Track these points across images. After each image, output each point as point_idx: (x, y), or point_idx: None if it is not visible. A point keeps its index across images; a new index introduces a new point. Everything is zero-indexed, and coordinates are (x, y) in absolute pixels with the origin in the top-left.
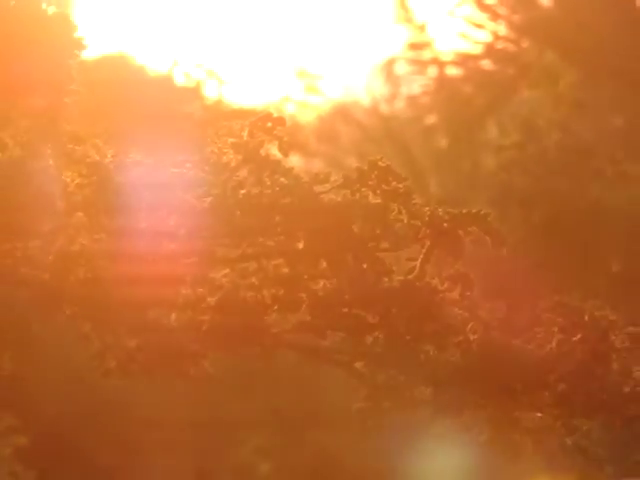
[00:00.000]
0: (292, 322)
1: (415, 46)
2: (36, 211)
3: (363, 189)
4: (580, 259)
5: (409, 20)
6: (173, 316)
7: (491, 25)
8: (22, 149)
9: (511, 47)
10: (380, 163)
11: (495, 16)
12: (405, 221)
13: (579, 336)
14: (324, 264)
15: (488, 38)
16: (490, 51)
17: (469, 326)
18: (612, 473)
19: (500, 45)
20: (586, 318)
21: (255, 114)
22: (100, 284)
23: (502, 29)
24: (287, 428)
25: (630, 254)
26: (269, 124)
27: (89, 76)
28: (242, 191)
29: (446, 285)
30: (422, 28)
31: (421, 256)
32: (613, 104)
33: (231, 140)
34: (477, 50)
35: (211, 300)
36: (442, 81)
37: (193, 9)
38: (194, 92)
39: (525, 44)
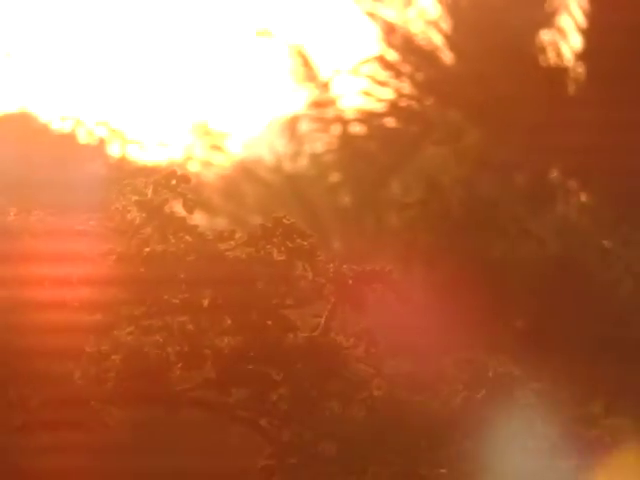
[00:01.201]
0: (196, 379)
1: (318, 104)
2: None
3: (267, 246)
4: (484, 315)
5: (312, 78)
6: (77, 373)
7: (394, 83)
8: None
9: (414, 105)
10: (284, 220)
11: (398, 74)
12: (310, 278)
13: (484, 392)
14: (229, 321)
15: (392, 96)
16: (394, 109)
17: (374, 382)
18: None
19: (404, 103)
20: (490, 374)
21: (159, 172)
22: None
23: (406, 87)
24: None
25: (533, 310)
26: (173, 182)
27: None
28: (146, 248)
29: (351, 341)
30: (325, 86)
31: (326, 313)
32: (516, 161)
33: (135, 198)
34: (381, 108)
35: (115, 357)
36: (346, 139)
37: (95, 67)
38: (97, 150)
39: (429, 102)
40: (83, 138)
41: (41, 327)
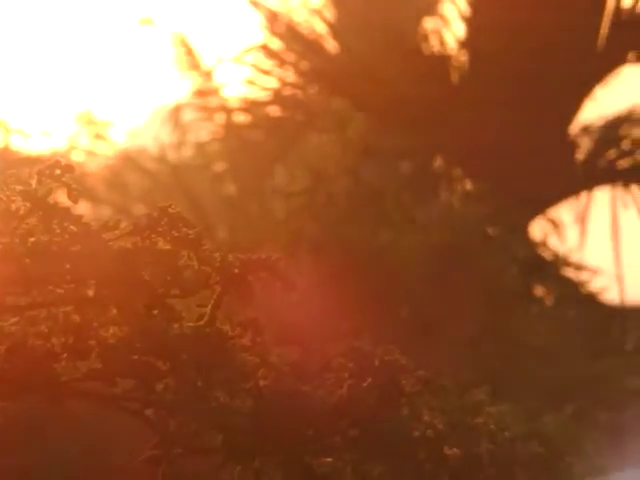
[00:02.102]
0: (82, 370)
1: (202, 93)
2: None
3: (153, 236)
4: (370, 304)
5: (195, 66)
6: None
7: (278, 71)
8: None
9: (299, 93)
10: (170, 210)
11: (282, 63)
12: (195, 267)
13: (370, 381)
14: (114, 311)
15: (276, 84)
16: (278, 98)
17: (260, 372)
18: None
19: (288, 91)
20: (376, 363)
21: (43, 161)
22: None
23: (290, 75)
24: (78, 477)
25: (419, 299)
26: (57, 171)
27: None
28: (31, 239)
29: (237, 331)
30: (209, 75)
31: (211, 302)
32: (401, 150)
33: (19, 188)
34: (265, 97)
35: (0, 348)
36: (230, 128)
37: None
38: None
39: (313, 90)
40: None
41: None
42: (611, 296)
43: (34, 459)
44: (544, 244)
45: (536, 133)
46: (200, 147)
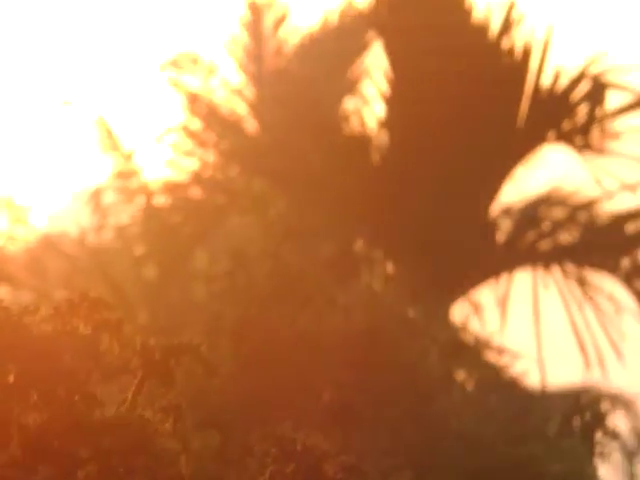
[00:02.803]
0: (2, 458)
1: (122, 175)
2: None
3: (74, 320)
4: (292, 388)
5: (115, 148)
6: None
7: (199, 152)
8: None
9: (219, 174)
10: (91, 294)
11: (203, 143)
12: (116, 352)
13: (292, 467)
14: (35, 397)
15: (196, 166)
16: (198, 179)
17: (182, 458)
18: None
19: (208, 173)
20: (299, 448)
21: None
22: None
23: (210, 156)
24: None
25: (340, 383)
26: None
27: None
28: None
29: (158, 417)
30: (129, 157)
31: (133, 387)
32: (321, 232)
33: None
34: (185, 178)
35: None
36: (150, 210)
37: None
38: None
39: (234, 171)
40: None
41: None
42: (532, 380)
43: None
44: (465, 327)
45: (457, 214)
46: (120, 230)
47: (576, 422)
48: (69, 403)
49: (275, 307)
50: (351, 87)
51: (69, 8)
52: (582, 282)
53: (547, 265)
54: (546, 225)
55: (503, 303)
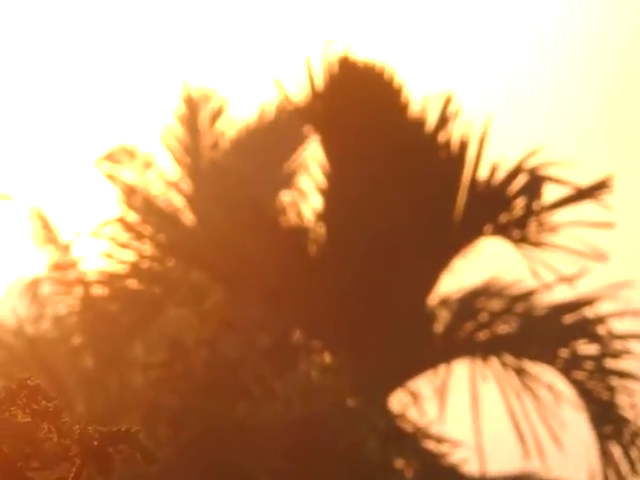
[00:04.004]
0: None
1: (60, 266)
2: None
3: (12, 408)
4: (229, 476)
5: (53, 240)
6: None
7: (136, 244)
8: None
9: (156, 266)
10: (29, 382)
11: (140, 235)
12: (55, 439)
13: None
14: None
15: (133, 257)
16: (135, 270)
17: None
18: None
19: (145, 264)
20: None
21: None
22: None
23: (147, 248)
24: None
25: (278, 472)
26: None
27: None
28: None
29: None
30: (66, 248)
31: (71, 475)
32: (259, 322)
33: None
34: (123, 269)
35: None
36: (88, 301)
37: None
38: None
39: (170, 263)
40: None
41: None
42: (471, 468)
43: None
44: (404, 416)
45: (394, 305)
46: (58, 320)
47: None
48: None
49: (213, 396)
50: (288, 180)
51: (7, 97)
52: (520, 372)
53: (485, 356)
54: (484, 316)
55: (442, 392)
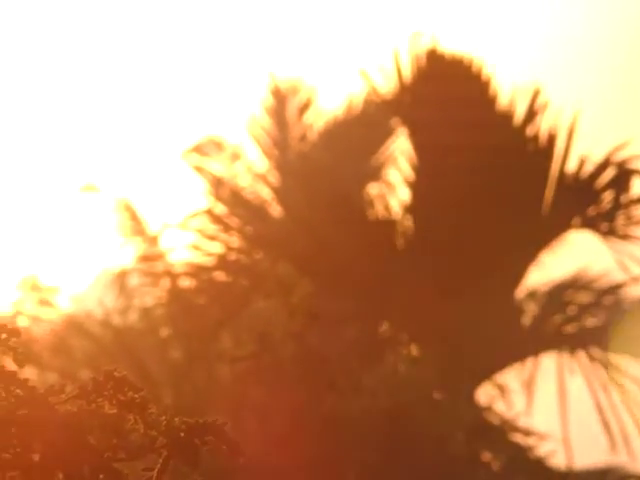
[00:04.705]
0: None
1: (147, 258)
2: None
3: (99, 399)
4: (316, 469)
5: (140, 232)
6: None
7: (223, 236)
8: None
9: (244, 258)
10: (116, 374)
11: (227, 227)
12: (141, 431)
13: None
14: (60, 476)
15: (221, 249)
16: (223, 262)
17: None
18: None
19: (233, 256)
20: None
21: None
22: None
23: (235, 240)
24: None
25: (365, 465)
26: (3, 335)
27: None
28: None
29: None
30: (154, 240)
31: (158, 466)
32: (346, 315)
33: None
34: (210, 261)
35: None
36: (175, 293)
37: None
38: None
39: (258, 255)
40: None
41: None
42: (558, 461)
43: None
44: (490, 409)
45: (482, 298)
46: (145, 312)
47: None
48: None
49: (300, 389)
50: (376, 173)
51: (94, 91)
52: (608, 365)
53: (573, 349)
54: (572, 309)
55: (529, 385)
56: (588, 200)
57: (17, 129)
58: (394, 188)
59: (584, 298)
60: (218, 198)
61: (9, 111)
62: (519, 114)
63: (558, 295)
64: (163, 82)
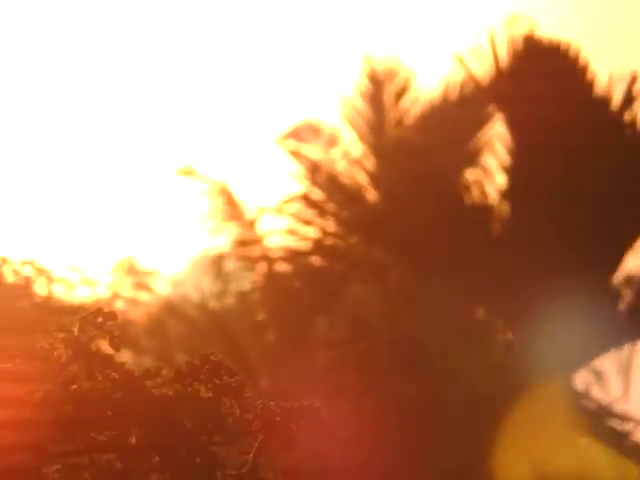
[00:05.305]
0: None
1: (244, 242)
2: None
3: (194, 383)
4: (411, 454)
5: (237, 216)
6: None
7: (319, 221)
8: None
9: (340, 243)
10: (212, 357)
11: (323, 212)
12: (237, 414)
13: None
14: (156, 458)
15: (316, 234)
16: (319, 247)
17: None
18: None
19: (328, 241)
20: None
21: (85, 310)
22: None
23: (330, 225)
24: None
25: (462, 450)
26: (100, 319)
27: None
28: (73, 386)
29: (279, 479)
30: (251, 224)
31: (254, 449)
32: (442, 299)
33: (61, 335)
34: (306, 246)
35: None
36: (271, 277)
37: (19, 205)
38: (24, 289)
39: (354, 240)
40: (9, 277)
41: None
42: None
43: None
44: (587, 394)
45: (578, 284)
46: (241, 296)
47: None
48: (190, 465)
49: (395, 373)
50: (472, 158)
51: (193, 75)
52: None
53: None
54: None
55: (626, 371)
56: None
57: (117, 113)
58: (491, 173)
59: None
60: (314, 183)
61: (108, 96)
62: (616, 100)
63: None
64: (262, 66)
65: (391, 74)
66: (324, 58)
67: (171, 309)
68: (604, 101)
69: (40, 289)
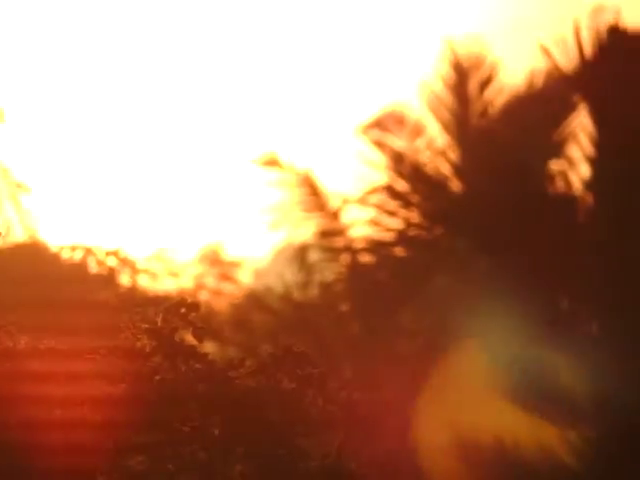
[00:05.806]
0: None
1: (328, 233)
2: None
3: (278, 374)
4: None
5: (322, 207)
6: None
7: (403, 212)
8: None
9: (424, 234)
10: (295, 348)
11: (407, 203)
12: (320, 405)
13: None
14: (240, 450)
15: (400, 225)
16: (402, 238)
17: None
18: None
19: (413, 232)
20: None
21: (169, 300)
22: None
23: (415, 216)
24: None
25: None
26: (183, 310)
27: (1, 264)
28: (157, 377)
29: (363, 470)
30: (335, 215)
31: (337, 440)
32: (525, 290)
33: (145, 326)
34: (390, 237)
35: None
36: (355, 268)
37: (104, 196)
38: (108, 280)
39: (438, 231)
40: (93, 268)
41: (54, 449)
42: None
43: None
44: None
45: None
46: (325, 287)
47: None
48: (273, 455)
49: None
50: (557, 149)
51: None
52: None
53: None
54: None
55: None
56: None
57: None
58: (575, 164)
59: None
60: (398, 174)
61: (194, 85)
62: None
63: None
64: (347, 56)
65: (476, 65)
66: (411, 49)
67: (255, 300)
68: None
69: (124, 280)
